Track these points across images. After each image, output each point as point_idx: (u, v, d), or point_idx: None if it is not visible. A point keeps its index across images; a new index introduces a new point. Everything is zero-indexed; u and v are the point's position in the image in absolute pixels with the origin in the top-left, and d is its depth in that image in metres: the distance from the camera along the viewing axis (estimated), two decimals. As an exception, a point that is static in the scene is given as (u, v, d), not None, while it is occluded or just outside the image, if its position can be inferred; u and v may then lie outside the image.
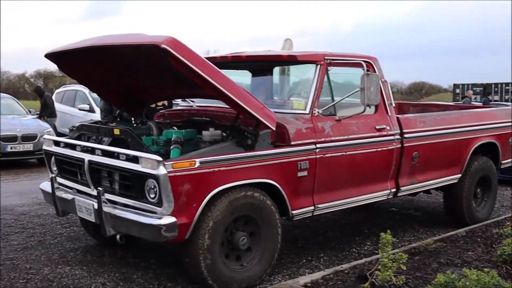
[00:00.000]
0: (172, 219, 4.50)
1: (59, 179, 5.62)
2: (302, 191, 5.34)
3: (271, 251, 5.15)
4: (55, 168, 5.72)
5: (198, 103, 6.18)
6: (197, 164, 4.58)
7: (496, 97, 25.63)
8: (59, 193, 5.46)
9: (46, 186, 5.73)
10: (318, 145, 5.37)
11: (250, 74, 6.50)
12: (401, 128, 6.18)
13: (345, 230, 7.00)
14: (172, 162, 4.48)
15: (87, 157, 5.09)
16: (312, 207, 5.46)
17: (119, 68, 5.66)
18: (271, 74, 6.32)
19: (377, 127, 5.94)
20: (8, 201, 8.57)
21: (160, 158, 4.44)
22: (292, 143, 5.18)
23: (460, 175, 6.96)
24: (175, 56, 4.40)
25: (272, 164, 5.05)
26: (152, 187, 4.55)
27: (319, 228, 7.12)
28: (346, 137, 5.62)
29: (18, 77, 54.08)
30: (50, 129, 13.31)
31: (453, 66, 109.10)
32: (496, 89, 26.34)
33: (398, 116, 6.26)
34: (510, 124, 7.61)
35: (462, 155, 6.95)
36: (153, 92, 6.05)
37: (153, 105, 7.04)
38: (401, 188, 6.31)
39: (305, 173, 5.29)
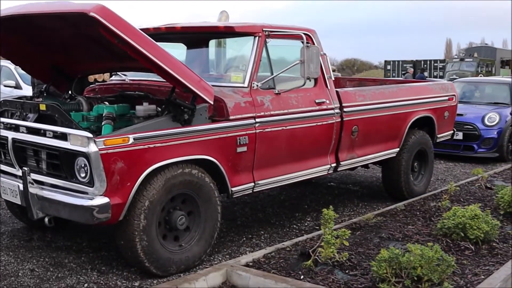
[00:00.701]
0: (105, 200, 4.19)
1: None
2: (242, 167, 5.11)
3: (211, 231, 4.90)
4: (-25, 147, 5.27)
5: (130, 77, 5.81)
6: (131, 141, 4.26)
7: (426, 73, 26.10)
8: (-19, 174, 5.04)
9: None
10: (257, 120, 5.13)
11: (185, 47, 6.18)
12: (340, 102, 6.01)
13: (284, 207, 6.83)
14: (104, 139, 4.15)
15: (10, 135, 4.69)
16: (252, 184, 5.24)
17: (45, 39, 5.25)
18: (207, 46, 6.01)
19: (316, 101, 5.75)
20: None
21: (90, 135, 4.10)
22: (231, 117, 4.93)
23: (398, 149, 6.89)
24: (105, 25, 4.05)
25: (210, 140, 4.78)
26: (83, 165, 4.21)
27: (258, 204, 6.92)
28: (285, 111, 5.40)
29: None
30: None
31: (383, 44, 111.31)
32: (425, 65, 26.79)
33: (337, 90, 6.09)
34: (445, 98, 7.60)
35: (400, 129, 6.86)
36: (82, 66, 5.65)
37: (92, 80, 6.64)
38: (341, 163, 6.17)
39: (244, 148, 5.05)
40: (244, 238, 5.63)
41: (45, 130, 4.40)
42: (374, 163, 7.01)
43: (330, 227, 4.64)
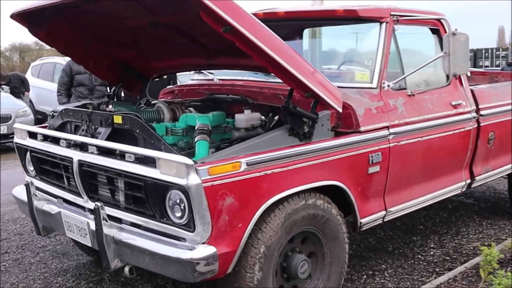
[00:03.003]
0: (211, 250, 2.90)
1: (38, 183, 3.96)
2: (372, 192, 3.77)
3: (337, 277, 3.59)
4: (32, 168, 4.04)
5: (218, 75, 4.51)
6: (243, 167, 2.97)
7: (487, 63, 24.25)
8: (38, 204, 3.79)
9: (21, 192, 4.03)
10: (391, 130, 3.79)
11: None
12: (476, 104, 4.61)
13: (395, 227, 5.43)
14: (208, 166, 2.85)
15: (76, 155, 3.43)
16: (383, 212, 3.90)
17: (111, 30, 3.98)
18: (315, 36, 4.66)
19: (453, 103, 4.36)
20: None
21: (190, 161, 2.81)
22: (362, 128, 3.59)
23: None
24: (211, 8, 2.75)
25: (337, 160, 3.45)
26: (178, 201, 2.94)
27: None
28: (421, 117, 4.04)
29: (-10, 51, 50.54)
30: (26, 108, 11.30)
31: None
32: (486, 54, 24.92)
33: (472, 88, 4.69)
34: None
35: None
36: (159, 63, 4.36)
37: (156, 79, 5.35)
38: (476, 178, 4.75)
39: (377, 168, 3.71)
40: (365, 276, 4.28)
41: (123, 152, 3.13)
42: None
43: (500, 274, 3.29)
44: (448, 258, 4.63)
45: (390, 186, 3.87)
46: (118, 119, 3.37)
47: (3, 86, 13.12)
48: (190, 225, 2.90)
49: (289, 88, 3.49)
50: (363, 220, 3.73)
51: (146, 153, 2.99)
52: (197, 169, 2.81)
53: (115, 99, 4.31)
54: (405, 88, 4.01)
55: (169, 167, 2.88)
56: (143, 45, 4.17)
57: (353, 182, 3.58)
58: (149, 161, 2.99)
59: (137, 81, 4.52)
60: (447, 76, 4.27)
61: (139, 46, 4.19)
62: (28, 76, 14.79)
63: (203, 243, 2.90)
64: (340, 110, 3.44)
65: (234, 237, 2.99)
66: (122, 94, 4.56)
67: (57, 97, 7.23)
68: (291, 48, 3.19)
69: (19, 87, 13.91)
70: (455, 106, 4.36)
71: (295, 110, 3.26)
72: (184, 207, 2.90)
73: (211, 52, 3.86)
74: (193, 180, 2.79)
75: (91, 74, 6.64)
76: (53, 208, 3.70)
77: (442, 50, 4.13)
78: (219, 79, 4.46)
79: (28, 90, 14.01)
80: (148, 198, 3.05)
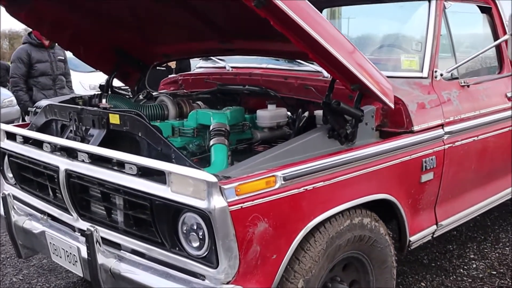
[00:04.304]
0: (238, 291, 2.19)
1: (19, 193, 3.21)
2: (423, 204, 3.06)
3: (383, 309, 2.89)
4: (11, 175, 3.28)
5: (230, 62, 3.77)
6: (279, 182, 2.24)
7: None
8: (18, 220, 3.04)
9: (-2, 203, 3.28)
10: (446, 129, 3.08)
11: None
12: (531, 94, 3.91)
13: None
14: (236, 184, 2.13)
15: (63, 164, 2.69)
16: (434, 227, 3.20)
17: (105, 7, 3.24)
18: (337, 17, 3.92)
19: (508, 94, 3.66)
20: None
21: (213, 178, 2.08)
22: (415, 128, 2.87)
23: None
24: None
25: (388, 168, 2.74)
26: (194, 228, 2.21)
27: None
28: (477, 112, 3.34)
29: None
30: (12, 97, 10.35)
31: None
32: None
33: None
34: None
35: None
36: (163, 47, 3.62)
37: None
38: (527, 181, 4.07)
39: (430, 175, 3.00)
40: (406, 296, 3.60)
41: (122, 162, 2.40)
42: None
43: None
44: (494, 272, 3.95)
45: (442, 196, 3.16)
46: (115, 119, 2.63)
47: None
48: (211, 259, 2.18)
49: (323, 77, 2.78)
50: (413, 238, 3.03)
51: (153, 164, 2.26)
52: (221, 187, 2.08)
53: (109, 92, 3.56)
54: (457, 78, 3.30)
55: (183, 185, 2.15)
56: (142, 25, 3.44)
57: (404, 194, 2.87)
58: (156, 174, 2.26)
59: (134, 69, 3.78)
60: (500, 63, 3.57)
61: (138, 26, 3.46)
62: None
63: (228, 283, 2.19)
64: (393, 106, 2.73)
65: (267, 272, 2.28)
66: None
67: (13, 94, 6.05)
68: (335, 28, 2.46)
69: (4, 76, 13.03)
70: (510, 98, 3.66)
71: (339, 107, 2.54)
72: (203, 235, 2.18)
73: (226, 34, 3.13)
74: (217, 202, 2.06)
75: (52, 62, 5.79)
76: (35, 226, 2.96)
77: (493, 32, 3.44)
78: (231, 67, 3.71)
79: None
80: (155, 221, 2.32)
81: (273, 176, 2.22)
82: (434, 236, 3.25)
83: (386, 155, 2.70)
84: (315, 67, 3.17)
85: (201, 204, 2.08)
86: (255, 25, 2.40)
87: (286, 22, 2.19)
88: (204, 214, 2.10)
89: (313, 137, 2.55)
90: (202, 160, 2.77)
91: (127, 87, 4.02)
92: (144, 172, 2.30)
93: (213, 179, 2.06)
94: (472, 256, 4.26)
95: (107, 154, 2.45)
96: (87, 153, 2.55)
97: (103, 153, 2.47)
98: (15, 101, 10.25)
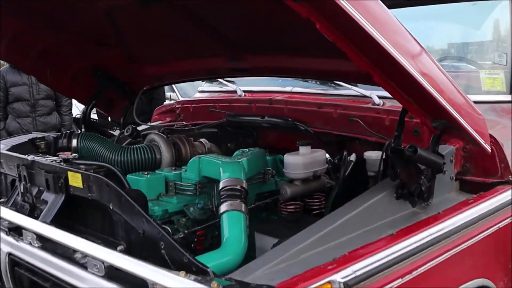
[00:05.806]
0: None
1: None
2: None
3: None
4: None
5: (241, 85, 2.86)
6: (338, 288, 1.33)
7: None
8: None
9: None
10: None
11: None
12: None
13: None
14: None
15: (4, 245, 1.78)
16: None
17: (79, 15, 2.36)
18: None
19: None
20: None
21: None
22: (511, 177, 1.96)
23: None
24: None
25: (483, 240, 1.82)
26: None
27: None
28: None
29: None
30: None
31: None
32: None
33: None
34: None
35: None
36: (152, 67, 2.72)
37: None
38: None
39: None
40: None
41: (84, 255, 1.48)
42: None
43: None
44: None
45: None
46: (75, 180, 1.72)
47: None
48: None
49: (373, 104, 1.88)
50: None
51: (129, 267, 1.34)
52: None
53: (83, 128, 2.65)
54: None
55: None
56: (127, 39, 2.55)
57: (500, 275, 1.95)
58: (134, 279, 1.35)
59: (118, 95, 2.88)
60: None
61: (122, 41, 2.57)
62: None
63: None
64: (489, 148, 1.82)
65: None
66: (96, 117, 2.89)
67: None
68: (416, 40, 1.55)
69: None
70: None
71: (416, 155, 1.62)
72: None
73: (238, 48, 2.23)
74: None
75: (32, 85, 4.88)
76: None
77: None
78: (244, 91, 2.80)
79: None
80: None
81: (329, 283, 1.31)
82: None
83: (484, 221, 1.79)
84: (360, 90, 2.27)
85: None
86: (277, 34, 1.53)
87: (345, 26, 1.29)
88: None
89: (377, 199, 1.65)
90: (208, 230, 1.87)
91: (113, 119, 3.14)
92: (116, 275, 1.40)
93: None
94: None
95: (62, 240, 1.54)
96: (35, 233, 1.65)
97: (56, 237, 1.56)
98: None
